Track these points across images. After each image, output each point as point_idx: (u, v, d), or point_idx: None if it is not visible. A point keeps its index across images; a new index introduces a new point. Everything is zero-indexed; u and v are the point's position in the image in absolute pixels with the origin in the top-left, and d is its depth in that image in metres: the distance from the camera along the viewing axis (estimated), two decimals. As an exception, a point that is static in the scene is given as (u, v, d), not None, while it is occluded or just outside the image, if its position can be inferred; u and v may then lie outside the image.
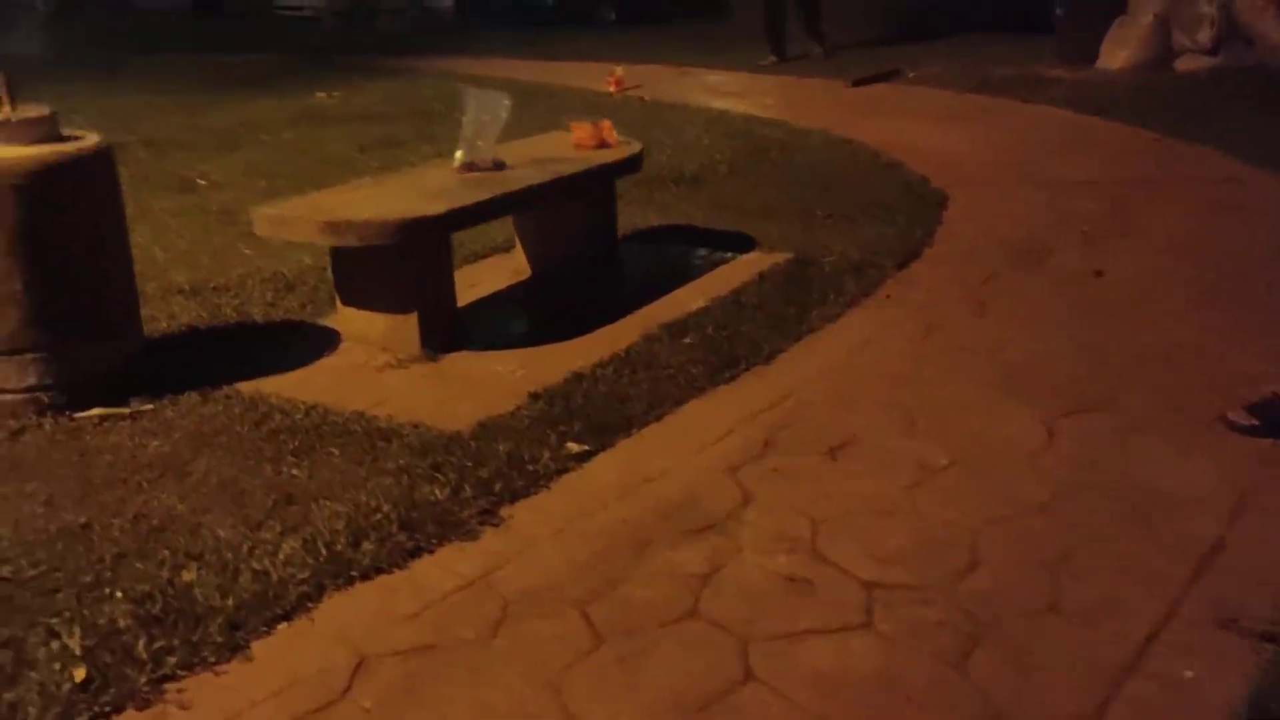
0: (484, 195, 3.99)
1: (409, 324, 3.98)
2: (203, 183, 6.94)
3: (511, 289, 4.73)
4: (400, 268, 3.93)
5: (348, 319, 4.15)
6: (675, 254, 5.09)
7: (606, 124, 4.74)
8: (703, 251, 5.06)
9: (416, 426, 3.43)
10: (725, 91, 10.10)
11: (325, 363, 4.01)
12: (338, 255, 4.02)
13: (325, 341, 4.18)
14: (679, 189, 6.42)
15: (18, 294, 3.51)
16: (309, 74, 12.41)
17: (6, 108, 3.62)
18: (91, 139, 3.70)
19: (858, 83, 9.64)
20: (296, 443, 3.36)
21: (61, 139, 3.67)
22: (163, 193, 6.69)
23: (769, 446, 3.29)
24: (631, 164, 4.64)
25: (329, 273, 4.59)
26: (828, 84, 9.91)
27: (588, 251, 4.85)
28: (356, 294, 4.08)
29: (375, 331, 4.06)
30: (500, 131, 4.38)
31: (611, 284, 4.75)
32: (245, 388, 3.78)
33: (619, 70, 10.31)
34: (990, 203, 5.84)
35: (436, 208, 3.84)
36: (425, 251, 3.94)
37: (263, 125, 8.97)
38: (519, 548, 2.80)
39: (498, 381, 3.78)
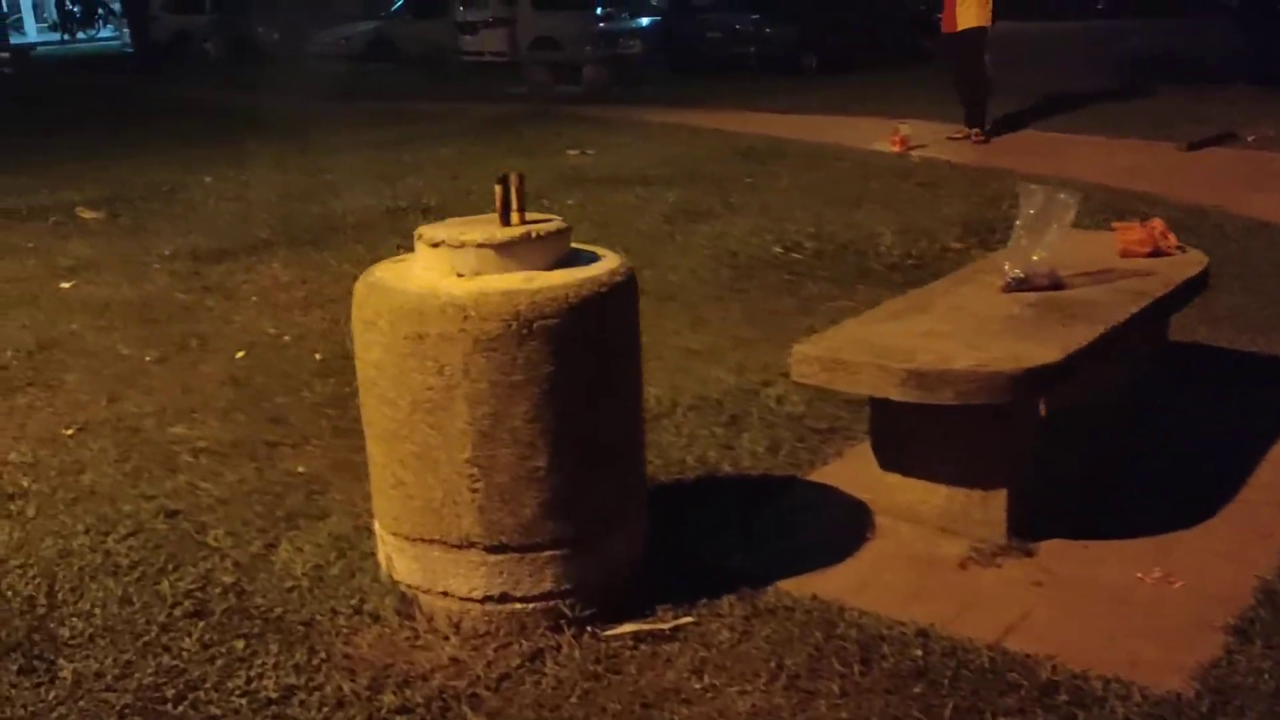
0: (1088, 332, 2.99)
1: (991, 503, 2.99)
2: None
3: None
4: (983, 428, 2.95)
5: (888, 487, 3.17)
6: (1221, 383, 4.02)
7: (1159, 225, 3.72)
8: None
9: (1107, 682, 2.43)
10: (1011, 149, 9.02)
11: (873, 550, 3.04)
12: (884, 407, 3.05)
13: (846, 514, 3.22)
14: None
15: (539, 472, 2.61)
16: (530, 125, 11.67)
17: (517, 217, 2.74)
18: (611, 259, 2.79)
19: (1193, 146, 8.49)
20: (948, 703, 2.39)
21: (575, 258, 2.77)
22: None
23: None
24: (1203, 281, 3.61)
25: (770, 402, 3.69)
26: (1150, 147, 8.78)
27: (1126, 388, 3.79)
28: (908, 457, 3.10)
29: (931, 508, 3.09)
30: (1059, 236, 3.38)
31: (1163, 431, 3.68)
32: (793, 589, 2.83)
33: (904, 128, 9.29)
34: None
35: (1049, 354, 2.85)
36: (1023, 409, 2.95)
37: (530, 189, 8.10)
38: None
39: (1146, 594, 2.77)
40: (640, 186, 8.04)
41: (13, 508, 3.47)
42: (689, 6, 19.87)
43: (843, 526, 3.16)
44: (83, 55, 30.44)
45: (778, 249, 6.04)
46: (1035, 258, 3.35)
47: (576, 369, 2.61)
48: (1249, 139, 8.68)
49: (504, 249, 2.64)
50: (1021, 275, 3.35)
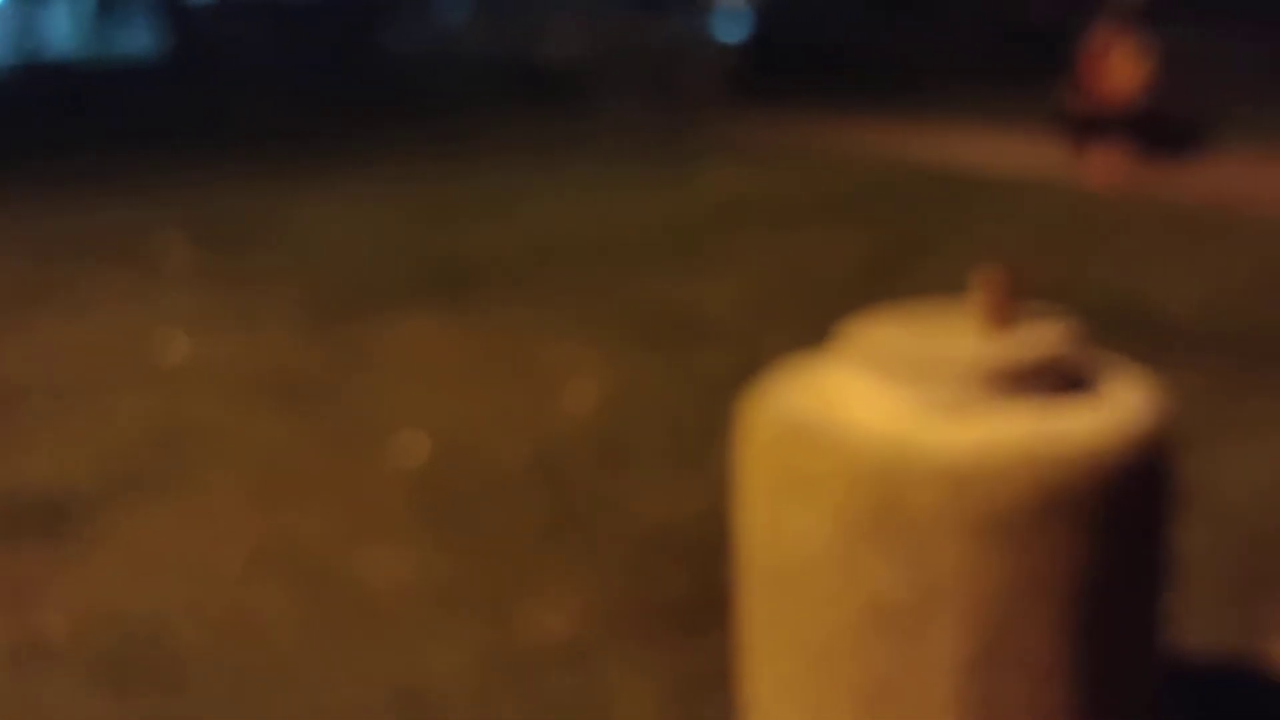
0: None
1: None
2: (717, 326, 5.11)
3: None
4: None
5: None
6: None
7: None
8: None
9: None
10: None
11: None
12: None
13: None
14: None
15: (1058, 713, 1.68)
16: (630, 143, 10.69)
17: (1004, 323, 1.81)
18: (1128, 380, 1.86)
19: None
20: None
21: (1072, 379, 1.84)
22: (638, 339, 4.92)
23: None
24: None
25: None
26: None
27: None
28: None
29: None
30: None
31: None
32: None
33: (1107, 152, 8.13)
34: None
35: None
36: None
37: (682, 222, 7.21)
38: None
39: None
40: (824, 227, 6.95)
41: (183, 675, 2.57)
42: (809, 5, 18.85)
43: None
44: (115, 68, 29.32)
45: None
46: None
47: (1120, 557, 1.68)
48: None
49: (1008, 379, 1.72)
50: None
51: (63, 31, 28.33)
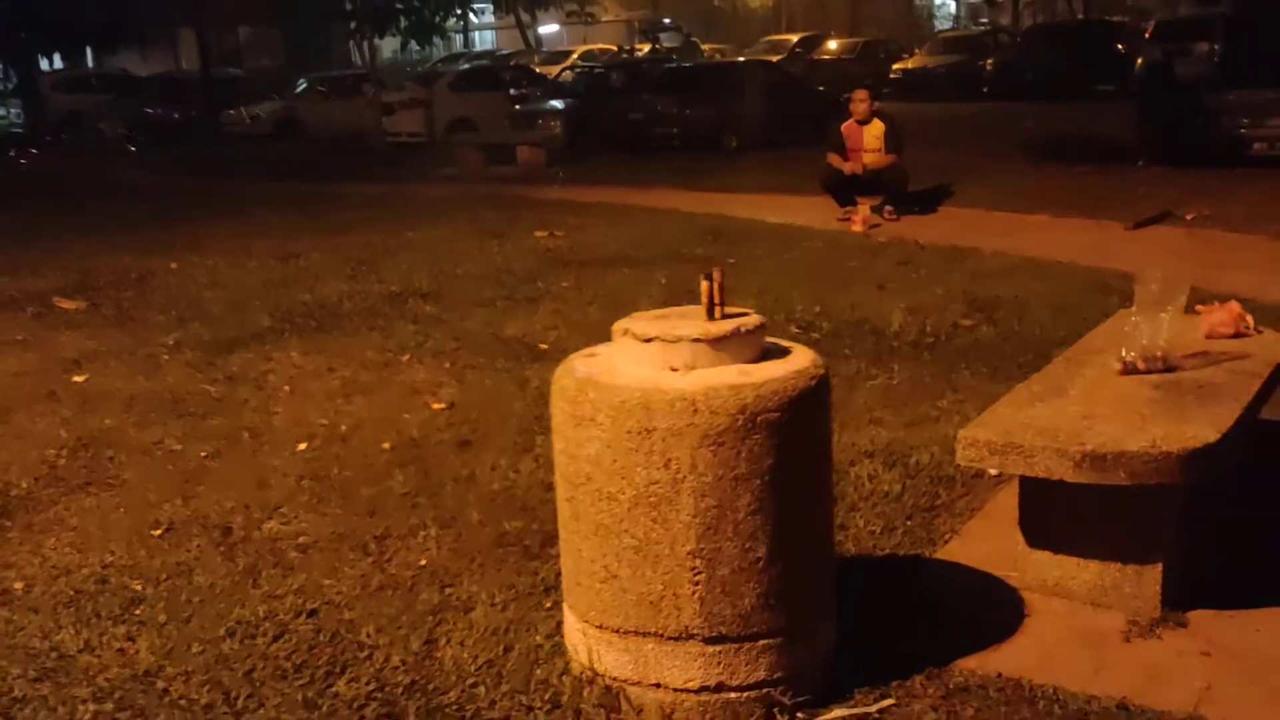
0: (1231, 411, 3.16)
1: (1145, 577, 3.13)
2: (544, 347, 6.09)
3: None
4: (1139, 505, 3.09)
5: (1034, 564, 3.29)
6: None
7: (1237, 307, 3.96)
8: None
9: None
10: (983, 228, 9.38)
11: (1036, 626, 3.14)
12: (1038, 488, 3.18)
13: (993, 592, 3.32)
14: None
15: (759, 563, 2.66)
16: (483, 207, 11.70)
17: (720, 312, 2.80)
18: (803, 352, 2.88)
19: (1138, 224, 8.96)
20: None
21: (770, 352, 2.85)
22: (501, 364, 5.84)
23: None
24: (1286, 357, 3.85)
25: (864, 482, 3.85)
26: (1098, 225, 9.23)
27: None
28: (1060, 535, 3.23)
29: (1081, 583, 3.21)
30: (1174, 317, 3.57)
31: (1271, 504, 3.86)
32: (975, 667, 2.92)
33: (863, 208, 9.62)
34: None
35: (1208, 434, 3.01)
36: (1179, 486, 3.11)
37: (513, 270, 8.17)
38: None
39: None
40: (627, 268, 8.14)
41: (138, 612, 3.36)
42: (608, 89, 20.26)
43: (995, 604, 3.25)
44: None
45: (794, 329, 6.18)
46: (1147, 340, 3.54)
47: (792, 461, 2.67)
48: (1188, 217, 9.20)
49: (717, 344, 2.70)
50: (1140, 358, 3.53)
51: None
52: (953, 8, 55.78)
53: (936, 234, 9.21)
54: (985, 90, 24.78)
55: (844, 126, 10.56)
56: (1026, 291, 6.93)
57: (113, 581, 3.57)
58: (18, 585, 3.59)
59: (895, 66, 28.40)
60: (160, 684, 2.97)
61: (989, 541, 3.60)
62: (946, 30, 43.94)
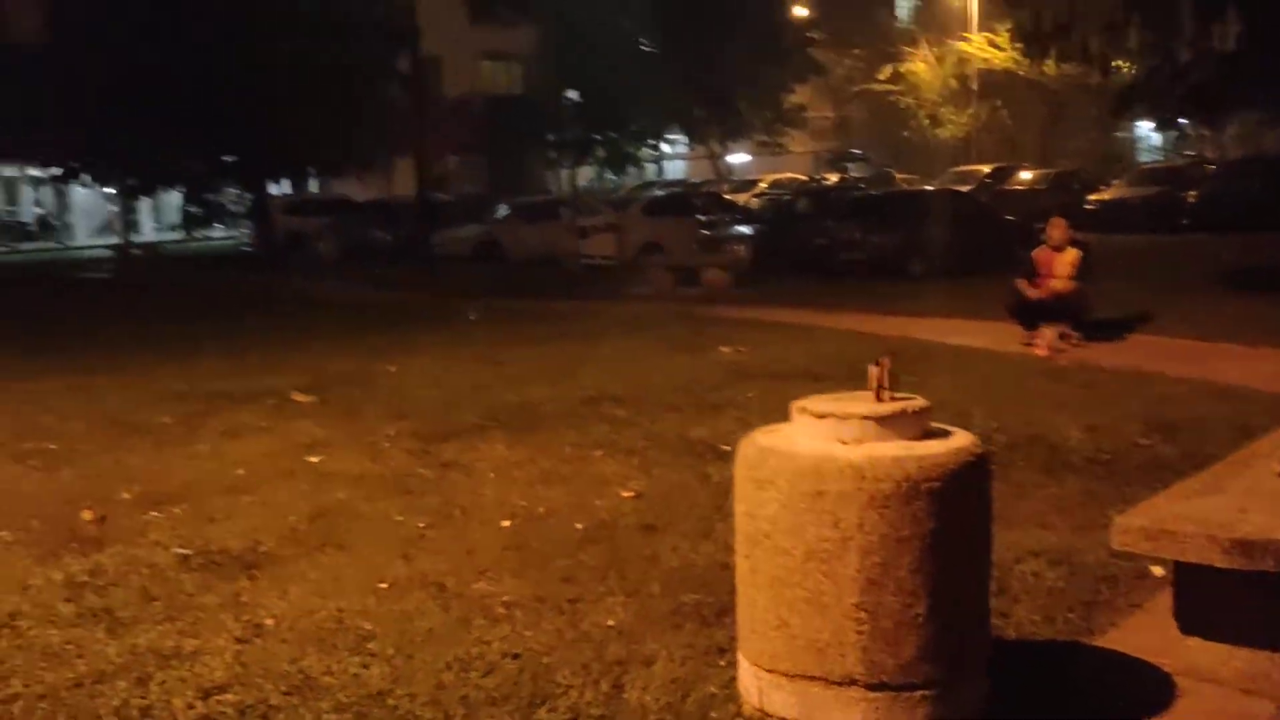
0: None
1: (1293, 664, 3.29)
2: (726, 448, 6.50)
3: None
4: (1285, 595, 3.27)
5: (1185, 650, 3.48)
6: None
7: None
8: None
9: None
10: (1170, 355, 9.39)
11: (1184, 710, 3.31)
12: (1194, 574, 3.39)
13: (1147, 676, 3.50)
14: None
15: (919, 618, 2.98)
16: (672, 324, 12.31)
17: (887, 395, 3.18)
18: (963, 434, 3.21)
19: None
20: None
21: (935, 432, 3.19)
22: (686, 461, 6.27)
23: None
24: None
25: (1028, 577, 4.03)
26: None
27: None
28: (1210, 623, 3.42)
29: (1231, 670, 3.38)
30: None
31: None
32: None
33: (1048, 333, 9.76)
34: None
35: (1352, 528, 3.19)
36: (1324, 578, 3.28)
37: (699, 381, 8.66)
38: None
39: None
40: (809, 381, 8.48)
41: (370, 646, 3.87)
42: (795, 215, 20.94)
43: (1147, 687, 3.44)
44: (204, 253, 32.27)
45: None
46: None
47: (951, 527, 3.00)
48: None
49: (884, 421, 3.08)
50: (1292, 461, 3.72)
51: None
52: (1157, 139, 54.85)
53: (1121, 360, 9.26)
54: (1185, 222, 24.37)
55: (1036, 253, 10.80)
56: (1209, 413, 6.99)
57: (347, 622, 4.10)
58: (269, 620, 4.16)
59: (1091, 198, 28.16)
60: (390, 702, 3.45)
61: (1147, 634, 3.79)
62: (1148, 162, 43.29)
